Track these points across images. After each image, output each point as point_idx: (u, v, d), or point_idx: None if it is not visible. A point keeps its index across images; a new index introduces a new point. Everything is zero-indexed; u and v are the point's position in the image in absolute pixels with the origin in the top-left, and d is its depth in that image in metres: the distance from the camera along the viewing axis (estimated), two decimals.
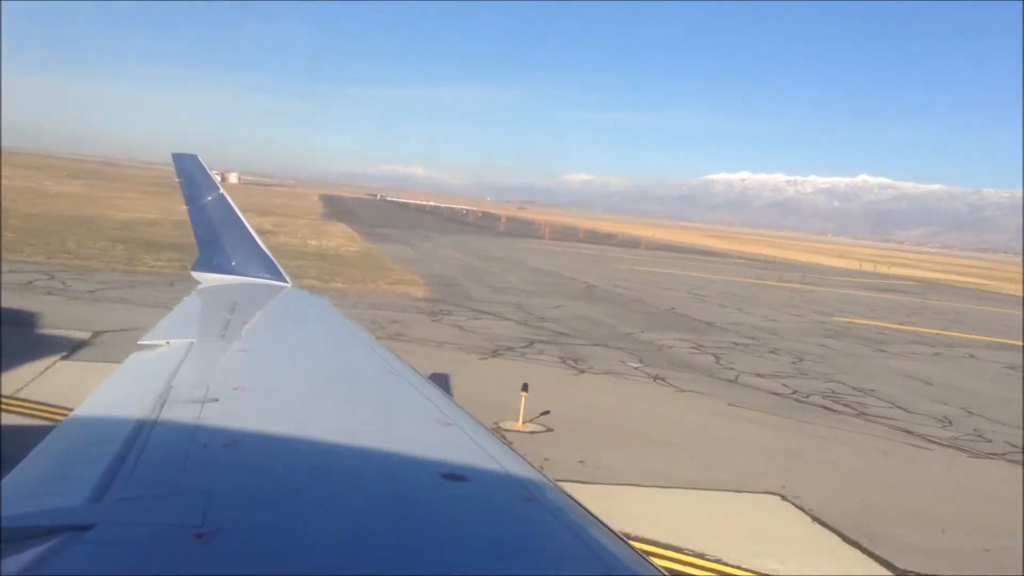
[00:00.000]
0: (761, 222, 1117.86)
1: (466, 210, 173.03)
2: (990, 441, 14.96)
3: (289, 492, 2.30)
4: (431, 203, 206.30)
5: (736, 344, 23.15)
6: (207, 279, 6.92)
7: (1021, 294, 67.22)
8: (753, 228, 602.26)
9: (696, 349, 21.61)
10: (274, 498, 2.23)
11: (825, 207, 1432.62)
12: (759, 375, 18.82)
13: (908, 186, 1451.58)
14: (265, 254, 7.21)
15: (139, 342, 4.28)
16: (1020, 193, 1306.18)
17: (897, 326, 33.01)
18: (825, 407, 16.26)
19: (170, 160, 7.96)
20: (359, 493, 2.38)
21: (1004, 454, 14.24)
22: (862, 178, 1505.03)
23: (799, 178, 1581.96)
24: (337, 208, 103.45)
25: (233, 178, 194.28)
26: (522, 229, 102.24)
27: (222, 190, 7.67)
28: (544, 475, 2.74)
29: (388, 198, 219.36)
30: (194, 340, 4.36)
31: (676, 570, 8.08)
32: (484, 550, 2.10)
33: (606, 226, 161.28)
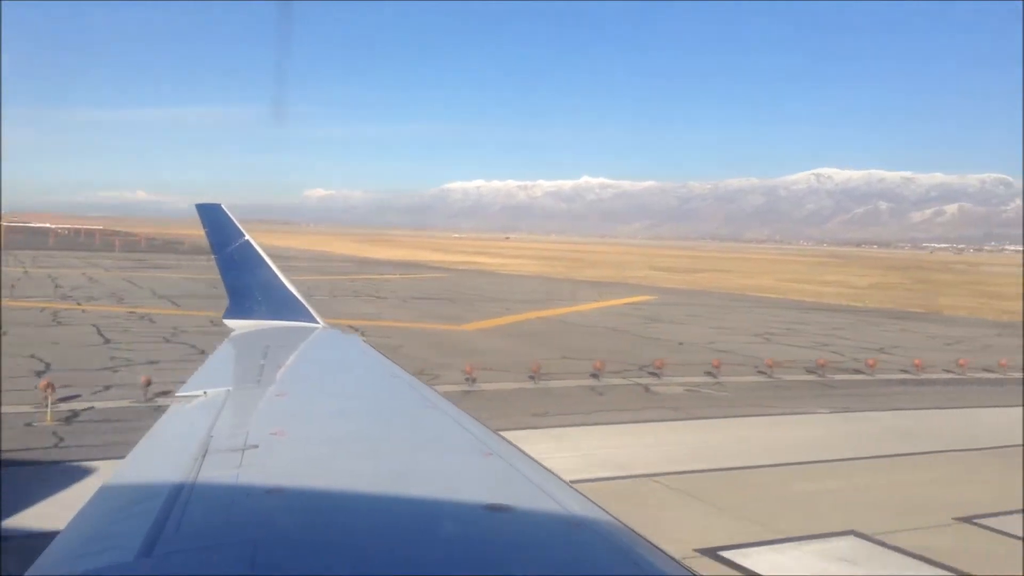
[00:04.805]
0: (496, 227, 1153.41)
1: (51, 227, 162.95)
2: None
3: (335, 535, 2.29)
4: (47, 225, 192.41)
5: None
6: (239, 326, 6.94)
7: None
8: (487, 232, 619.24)
9: None
10: (320, 542, 2.21)
11: (553, 209, 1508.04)
12: None
13: (625, 184, 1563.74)
14: (294, 296, 7.18)
15: (176, 394, 4.35)
16: (720, 184, 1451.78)
17: None
18: None
19: None
20: (406, 531, 2.35)
21: None
22: (584, 179, 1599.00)
23: (528, 183, 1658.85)
24: None
25: None
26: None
27: (247, 236, 7.54)
28: (592, 501, 2.66)
29: None
30: (230, 388, 4.41)
31: None
32: None
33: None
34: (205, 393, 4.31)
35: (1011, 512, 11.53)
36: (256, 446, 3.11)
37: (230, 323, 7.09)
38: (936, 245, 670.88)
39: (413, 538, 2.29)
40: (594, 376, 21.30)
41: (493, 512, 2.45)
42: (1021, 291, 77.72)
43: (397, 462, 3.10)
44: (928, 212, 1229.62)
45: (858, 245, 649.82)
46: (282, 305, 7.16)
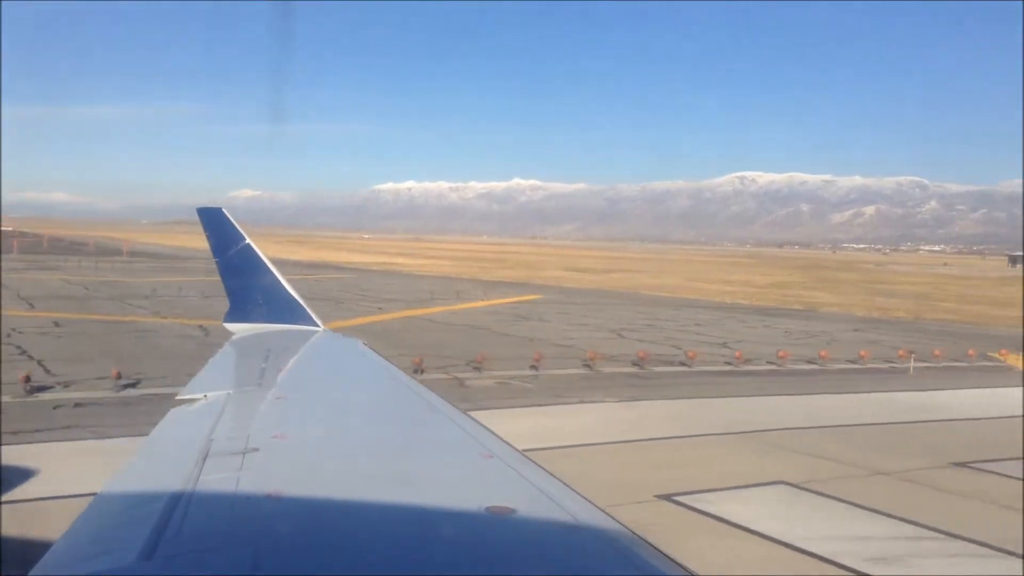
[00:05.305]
0: (429, 228, 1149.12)
1: None
2: None
3: (336, 538, 2.28)
4: None
5: None
6: (240, 329, 6.96)
7: None
8: (421, 233, 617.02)
9: None
10: (322, 545, 2.21)
11: (485, 210, 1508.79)
12: None
13: (556, 186, 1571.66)
14: (295, 300, 7.18)
15: (177, 397, 4.29)
16: (648, 186, 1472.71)
17: None
18: None
19: None
20: (408, 534, 2.36)
21: None
22: (515, 181, 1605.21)
23: (460, 184, 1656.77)
24: None
25: None
26: None
27: (248, 240, 7.58)
28: (591, 502, 2.67)
29: None
30: (231, 391, 4.39)
31: None
32: None
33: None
34: (205, 396, 4.32)
35: (708, 490, 12.26)
36: (257, 449, 3.11)
37: (231, 326, 7.10)
38: (855, 246, 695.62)
39: (415, 541, 2.32)
40: (416, 372, 21.65)
41: (494, 515, 2.46)
42: (913, 288, 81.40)
43: (398, 465, 3.11)
44: (848, 214, 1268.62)
45: (780, 246, 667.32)
46: (283, 308, 7.16)
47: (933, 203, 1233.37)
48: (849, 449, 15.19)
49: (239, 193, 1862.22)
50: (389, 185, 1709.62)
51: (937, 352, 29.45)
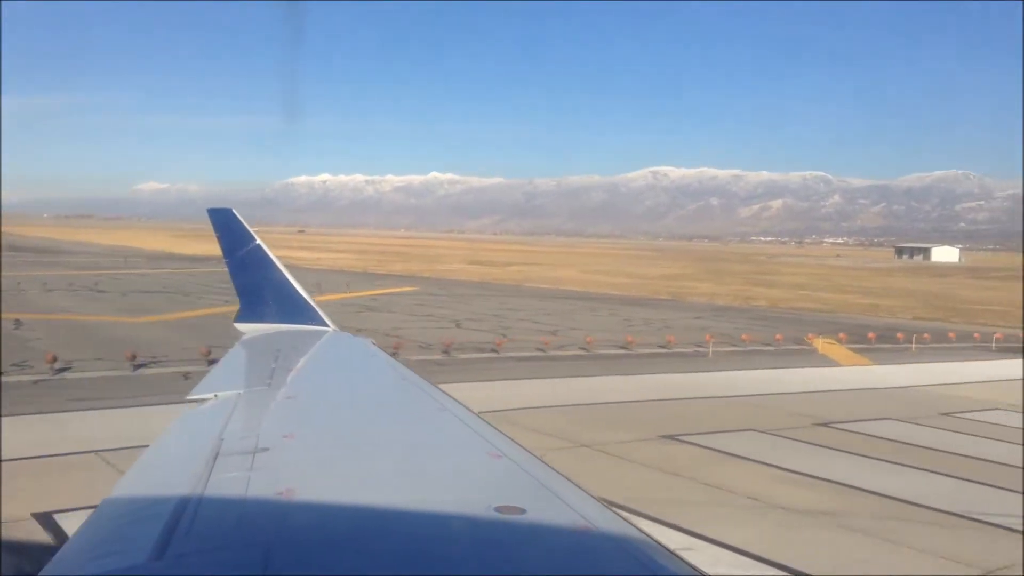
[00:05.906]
0: (343, 221, 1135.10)
1: None
2: None
3: (346, 538, 2.31)
4: None
5: None
6: (250, 329, 6.98)
7: None
8: (332, 227, 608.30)
9: None
10: (331, 544, 2.23)
11: (403, 204, 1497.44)
12: None
13: (473, 180, 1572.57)
14: (306, 300, 7.22)
15: (188, 397, 4.35)
16: (564, 181, 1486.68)
17: None
18: None
19: None
20: (417, 534, 2.37)
21: None
22: (433, 175, 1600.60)
23: (377, 178, 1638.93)
24: None
25: None
26: None
27: (259, 240, 7.61)
28: (600, 501, 2.69)
29: None
30: (241, 391, 4.43)
31: None
32: None
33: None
34: (216, 396, 4.34)
35: None
36: (267, 449, 3.13)
37: (241, 327, 7.11)
38: (763, 239, 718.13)
39: (424, 541, 2.33)
40: (212, 362, 21.78)
41: (503, 514, 2.46)
42: (795, 279, 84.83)
43: (407, 465, 3.13)
44: (756, 207, 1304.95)
45: (690, 239, 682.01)
46: (292, 309, 7.17)
47: (836, 197, 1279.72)
48: (575, 425, 16.08)
49: (145, 186, 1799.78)
50: (303, 178, 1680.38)
51: (745, 337, 31.03)
